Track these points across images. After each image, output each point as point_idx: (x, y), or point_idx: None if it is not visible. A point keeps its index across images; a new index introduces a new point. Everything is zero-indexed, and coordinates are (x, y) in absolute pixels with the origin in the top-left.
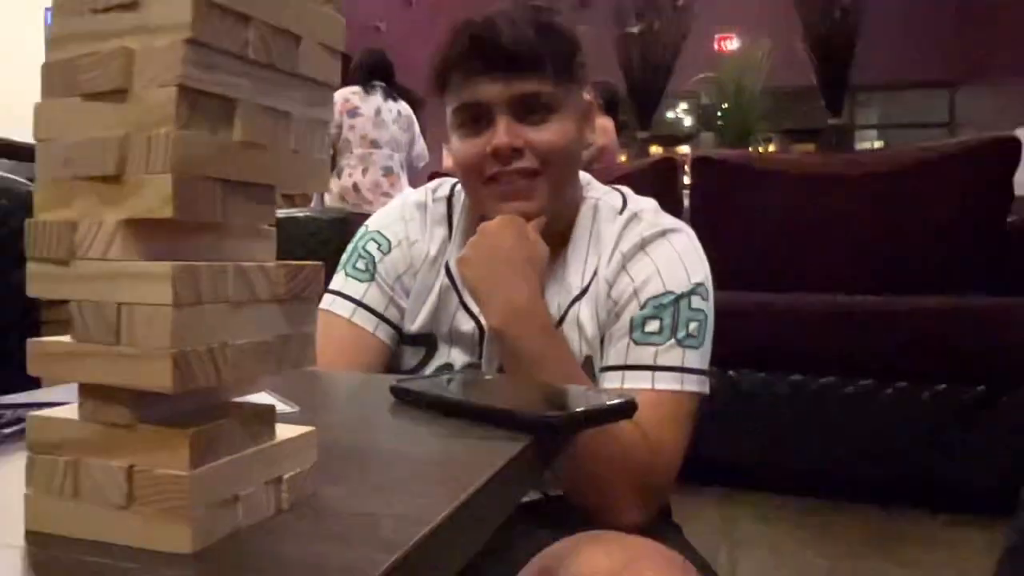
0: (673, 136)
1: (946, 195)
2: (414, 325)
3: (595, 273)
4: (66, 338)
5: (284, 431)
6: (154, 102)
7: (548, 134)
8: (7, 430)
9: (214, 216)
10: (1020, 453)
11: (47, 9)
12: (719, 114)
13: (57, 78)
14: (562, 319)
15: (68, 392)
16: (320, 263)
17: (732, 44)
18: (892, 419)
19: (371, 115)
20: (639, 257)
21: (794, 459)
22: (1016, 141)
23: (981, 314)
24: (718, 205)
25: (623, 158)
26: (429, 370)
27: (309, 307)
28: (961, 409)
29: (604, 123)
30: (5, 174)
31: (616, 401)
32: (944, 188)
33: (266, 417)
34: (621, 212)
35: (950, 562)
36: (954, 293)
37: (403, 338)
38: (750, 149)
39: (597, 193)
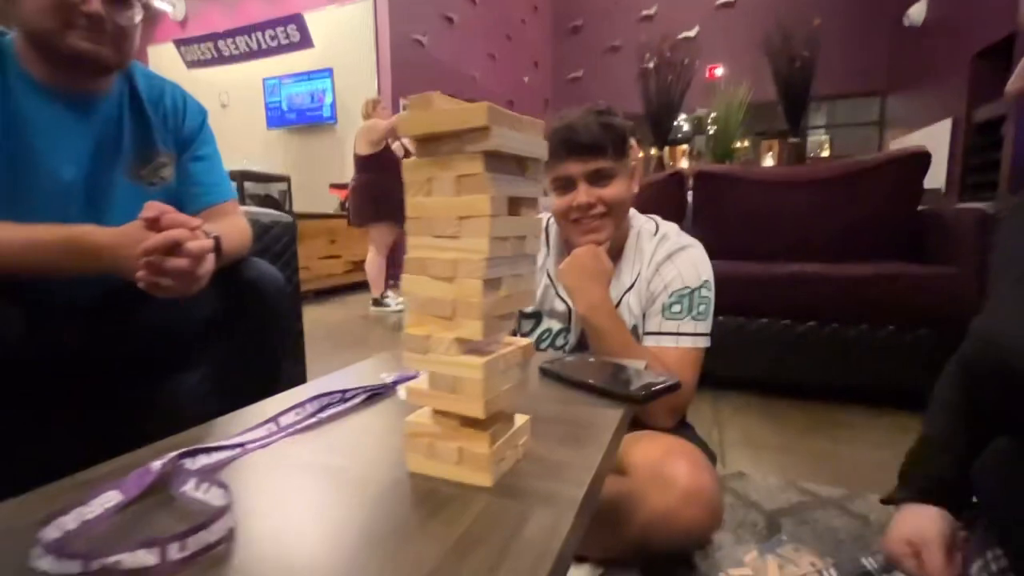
0: (675, 140)
1: (875, 192)
2: (528, 307)
3: (639, 274)
4: (426, 384)
5: (518, 420)
6: (468, 286)
7: (610, 192)
8: (358, 399)
9: (501, 335)
10: (924, 370)
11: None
12: (710, 132)
13: (415, 265)
14: (618, 304)
15: (343, 375)
16: (531, 343)
17: (719, 71)
18: (830, 348)
19: None
20: (667, 264)
21: (761, 372)
22: (925, 154)
23: (897, 277)
24: (712, 204)
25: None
26: (536, 333)
27: (530, 359)
28: (877, 341)
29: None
30: (273, 211)
31: (673, 382)
32: (874, 187)
33: (513, 418)
34: (655, 234)
35: (880, 442)
36: (879, 262)
37: (521, 313)
38: (731, 163)
39: (639, 222)
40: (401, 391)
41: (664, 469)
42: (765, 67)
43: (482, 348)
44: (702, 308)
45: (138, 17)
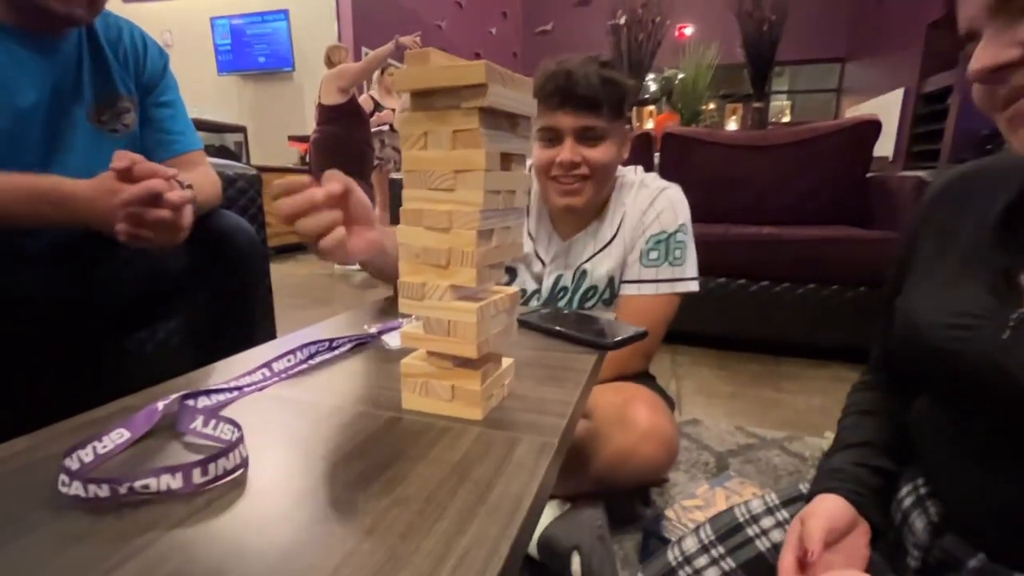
0: (643, 100)
1: (828, 158)
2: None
3: (621, 222)
4: (420, 329)
5: (504, 362)
6: (463, 236)
7: (598, 153)
8: (344, 348)
9: (491, 283)
10: (862, 326)
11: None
12: (678, 92)
13: (411, 216)
14: (593, 256)
15: (332, 324)
16: (517, 291)
17: (688, 31)
18: (779, 306)
19: None
20: (649, 209)
21: (717, 328)
22: (876, 122)
23: (842, 240)
24: (678, 166)
25: None
26: (515, 285)
27: (516, 307)
28: (821, 300)
29: None
30: (236, 163)
31: (639, 331)
32: (826, 153)
33: (500, 360)
34: (635, 184)
35: (820, 390)
36: (829, 226)
37: None
38: (697, 126)
39: (621, 172)
40: (387, 339)
41: (626, 412)
42: (733, 28)
43: (474, 295)
44: (678, 253)
45: None
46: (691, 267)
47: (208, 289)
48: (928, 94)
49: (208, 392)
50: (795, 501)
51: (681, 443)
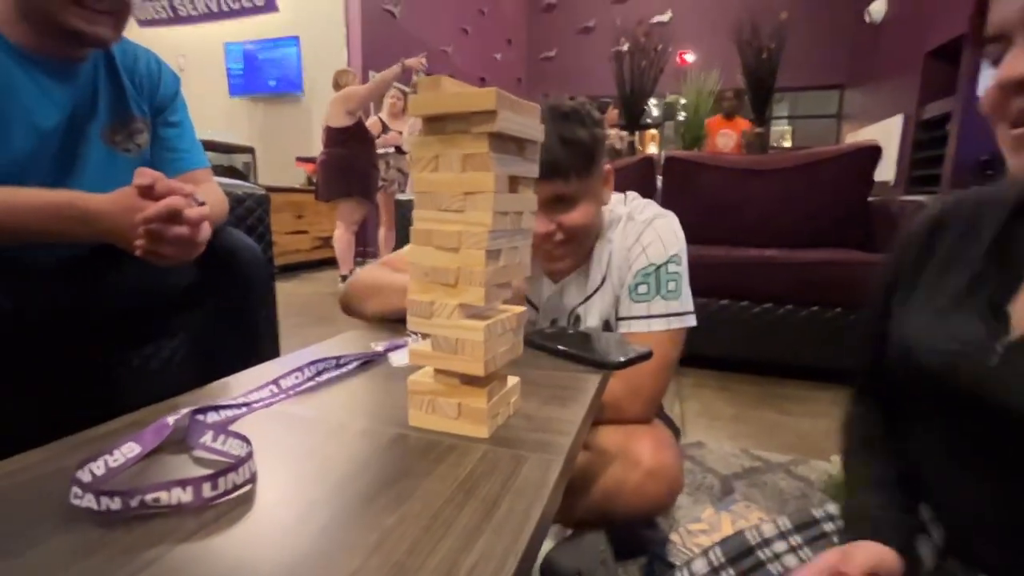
0: (645, 124)
1: (829, 183)
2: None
3: (609, 261)
4: (428, 346)
5: (510, 381)
6: (472, 256)
7: (572, 218)
8: (351, 365)
9: (498, 302)
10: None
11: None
12: (680, 118)
13: (421, 236)
14: (586, 300)
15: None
16: (524, 310)
17: (689, 57)
18: (783, 328)
19: None
20: (635, 245)
21: (719, 350)
22: (876, 147)
23: (845, 264)
24: (680, 188)
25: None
26: None
27: (523, 326)
28: (824, 322)
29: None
30: (244, 183)
31: (645, 351)
32: (827, 178)
33: (507, 378)
34: (622, 219)
35: (823, 413)
36: (831, 249)
37: None
38: (700, 149)
39: (608, 208)
40: (392, 358)
41: (629, 446)
42: (733, 55)
43: (482, 313)
44: (671, 285)
45: None
46: (688, 300)
47: (213, 305)
48: (927, 120)
49: (218, 408)
50: (808, 526)
51: (685, 465)
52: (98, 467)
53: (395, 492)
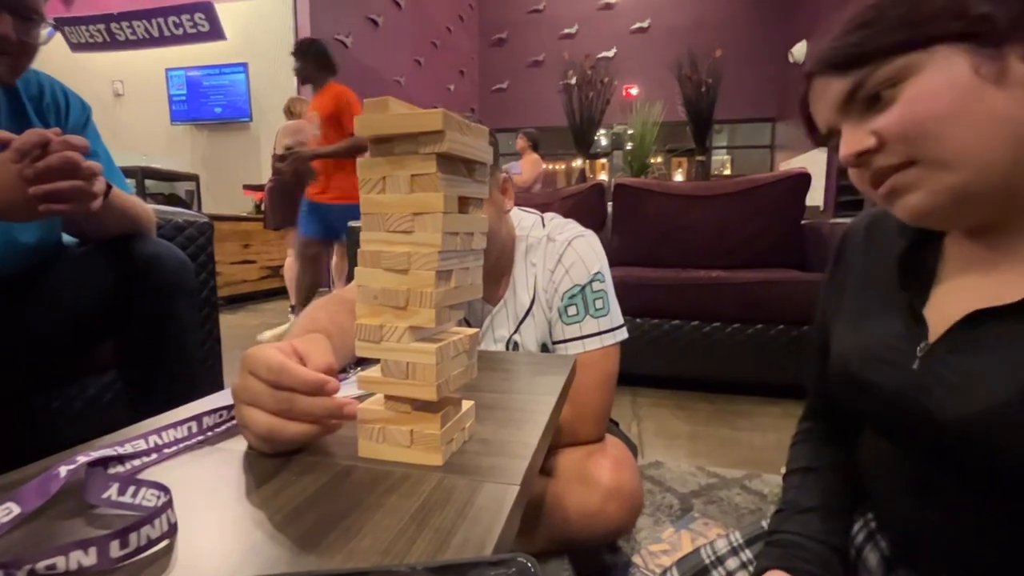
0: (595, 153)
1: (765, 208)
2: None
3: (535, 285)
4: (379, 373)
5: (464, 405)
6: (422, 277)
7: None
8: None
9: (450, 325)
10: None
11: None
12: (627, 148)
13: (369, 258)
14: (519, 326)
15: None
16: (477, 331)
17: (634, 90)
18: (731, 346)
19: None
20: (557, 267)
21: (672, 369)
22: (806, 174)
23: (782, 283)
24: (629, 214)
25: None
26: None
27: (476, 348)
28: (769, 339)
29: (535, 158)
30: (186, 211)
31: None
32: (764, 203)
33: (460, 403)
34: (541, 240)
35: (773, 427)
36: (770, 269)
37: None
38: (647, 177)
39: (525, 228)
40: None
41: (588, 468)
42: (675, 89)
43: (433, 336)
44: (599, 303)
45: (44, 34)
46: (616, 314)
47: (140, 313)
48: None
49: (122, 458)
50: (759, 539)
51: (645, 487)
52: None
53: (342, 528)
